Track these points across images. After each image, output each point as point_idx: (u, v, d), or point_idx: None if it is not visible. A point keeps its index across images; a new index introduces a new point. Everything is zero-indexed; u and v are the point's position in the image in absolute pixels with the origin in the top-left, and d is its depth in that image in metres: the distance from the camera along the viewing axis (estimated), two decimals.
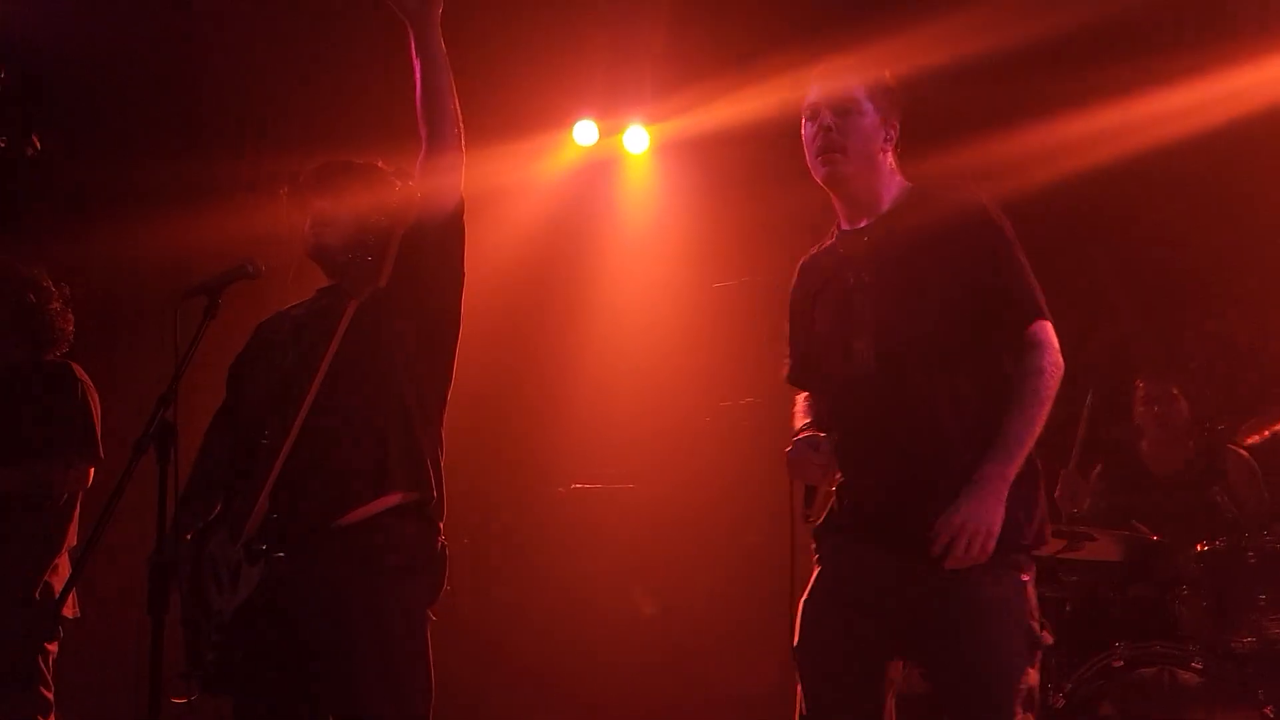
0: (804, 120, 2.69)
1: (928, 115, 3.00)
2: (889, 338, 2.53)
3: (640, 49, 5.49)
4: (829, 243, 2.77)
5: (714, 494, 5.54)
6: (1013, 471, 2.40)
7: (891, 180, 2.69)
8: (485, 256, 5.76)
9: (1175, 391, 4.59)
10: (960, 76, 4.72)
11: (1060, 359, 2.48)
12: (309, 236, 2.93)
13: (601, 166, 6.15)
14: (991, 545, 2.36)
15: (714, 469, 5.54)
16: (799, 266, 2.84)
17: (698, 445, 5.66)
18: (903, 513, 2.48)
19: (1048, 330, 2.50)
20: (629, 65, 5.62)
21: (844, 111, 2.64)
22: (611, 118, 5.88)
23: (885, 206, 2.66)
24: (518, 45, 5.45)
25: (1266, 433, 4.42)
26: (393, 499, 2.75)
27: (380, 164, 3.00)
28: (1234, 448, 4.51)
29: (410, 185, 2.90)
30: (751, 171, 5.47)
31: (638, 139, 5.96)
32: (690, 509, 5.59)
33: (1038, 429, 2.44)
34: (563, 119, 5.89)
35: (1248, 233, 5.32)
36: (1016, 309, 2.51)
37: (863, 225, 2.67)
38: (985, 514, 2.36)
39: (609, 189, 6.22)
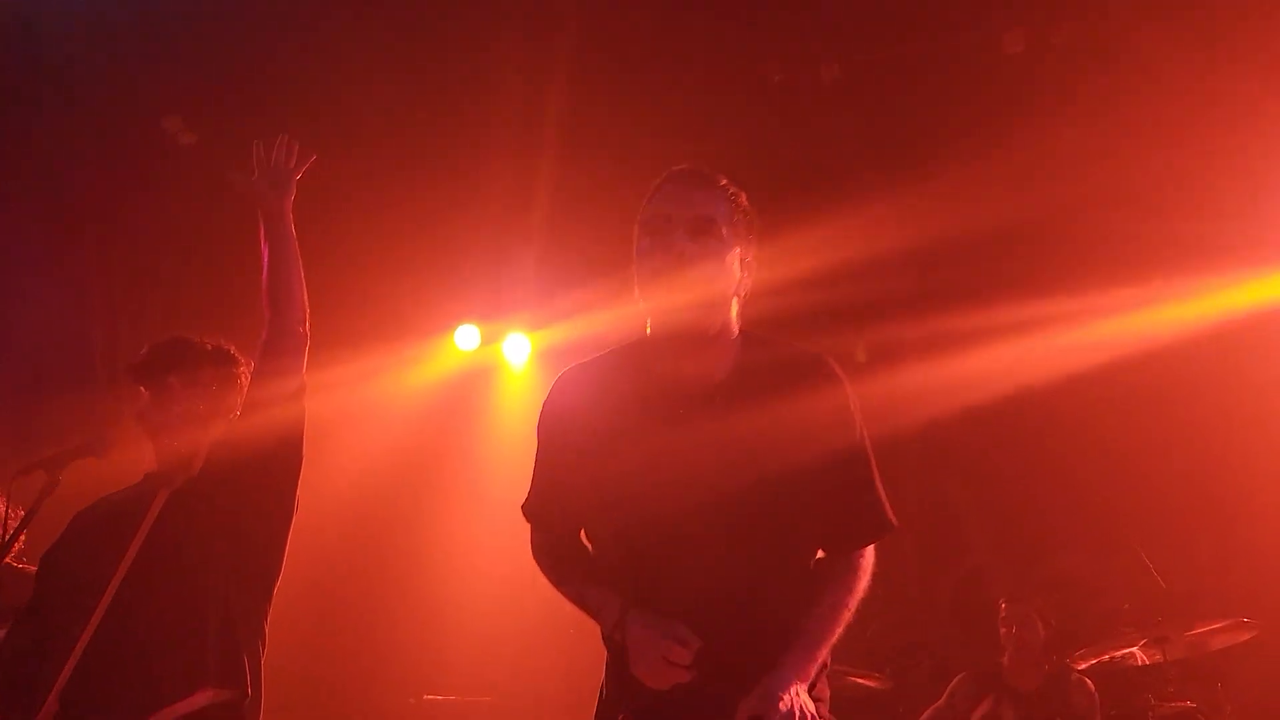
0: (643, 228, 2.20)
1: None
2: (728, 502, 2.14)
3: (519, 258, 5.65)
4: (629, 370, 2.27)
5: (576, 709, 5.29)
6: (813, 672, 2.15)
7: (734, 323, 2.26)
8: (356, 459, 5.83)
9: (1034, 614, 4.76)
10: (838, 320, 5.02)
11: (869, 576, 2.26)
12: (140, 413, 2.79)
13: (481, 370, 6.21)
14: None
15: (575, 683, 5.31)
16: (562, 383, 2.31)
17: (561, 657, 5.45)
18: (721, 691, 2.15)
19: (871, 554, 2.28)
20: (509, 274, 5.78)
21: (703, 234, 2.18)
22: (492, 323, 5.99)
23: (727, 359, 2.23)
24: (402, 248, 5.58)
25: (1106, 657, 4.58)
26: (203, 697, 2.55)
27: (232, 349, 2.89)
28: (1080, 676, 4.67)
29: (258, 388, 2.74)
30: None
31: (518, 347, 6.05)
32: None
33: (841, 630, 2.20)
34: (445, 323, 5.98)
35: (1098, 478, 5.63)
36: (863, 521, 2.26)
37: (697, 374, 2.22)
38: (779, 712, 2.05)
39: (488, 394, 6.26)
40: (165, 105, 5.21)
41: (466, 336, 6.02)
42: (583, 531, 2.36)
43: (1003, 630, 4.79)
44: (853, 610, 2.22)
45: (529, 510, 2.38)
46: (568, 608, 2.35)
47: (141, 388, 2.81)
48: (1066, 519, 5.72)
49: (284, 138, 2.84)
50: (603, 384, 2.28)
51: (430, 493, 6.10)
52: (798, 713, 2.05)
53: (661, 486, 2.18)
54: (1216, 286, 5.22)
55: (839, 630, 2.19)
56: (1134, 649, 4.54)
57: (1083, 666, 4.62)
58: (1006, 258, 5.47)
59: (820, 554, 2.29)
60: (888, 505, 2.27)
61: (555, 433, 2.31)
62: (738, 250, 2.21)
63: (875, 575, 2.28)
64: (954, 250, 5.43)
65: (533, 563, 2.42)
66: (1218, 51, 4.78)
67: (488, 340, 6.06)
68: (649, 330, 2.26)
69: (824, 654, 2.17)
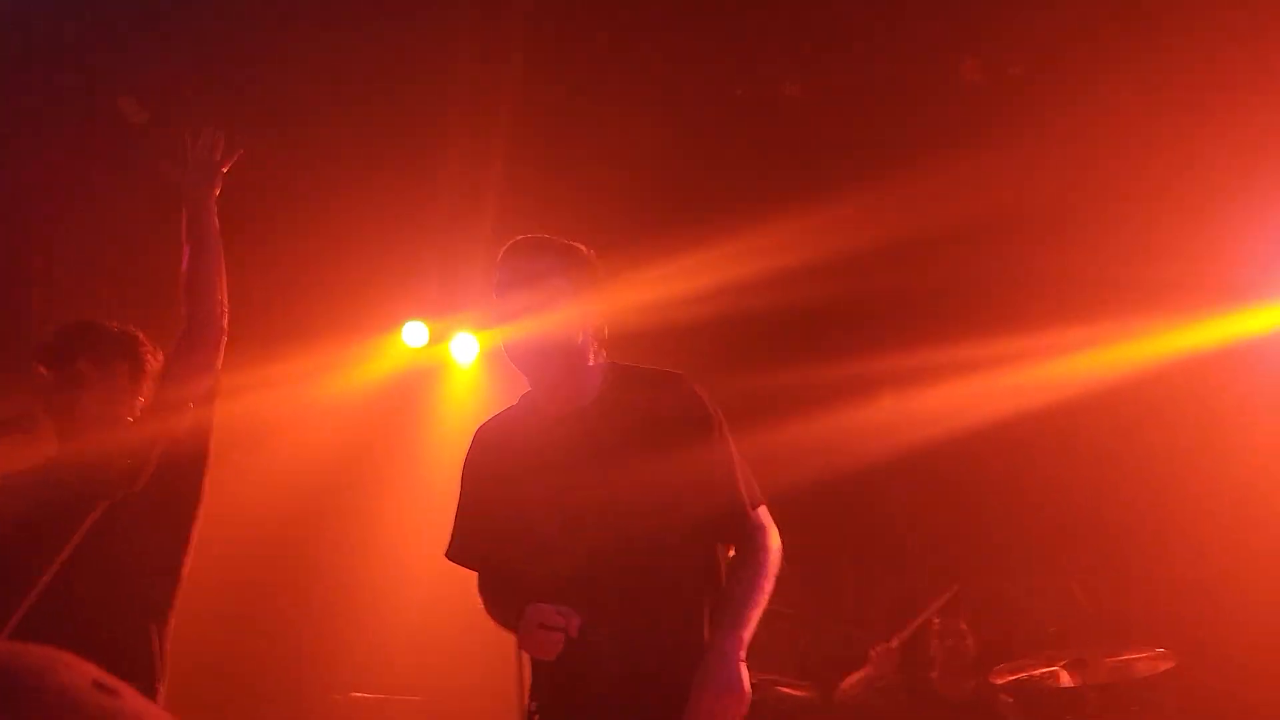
0: (494, 293, 2.53)
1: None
2: (605, 529, 2.40)
3: (469, 255, 5.63)
4: (521, 415, 2.60)
5: (506, 711, 5.28)
6: (748, 636, 2.38)
7: (595, 361, 2.55)
8: (298, 455, 5.77)
9: (964, 628, 4.96)
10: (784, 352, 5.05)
11: (779, 543, 2.51)
12: (44, 396, 2.68)
13: (428, 370, 6.17)
14: (744, 707, 2.33)
15: (506, 685, 5.29)
16: (478, 434, 2.64)
17: (494, 659, 5.42)
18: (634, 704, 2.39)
19: (765, 514, 2.52)
20: (459, 270, 5.75)
21: (537, 290, 2.48)
22: (441, 320, 5.96)
23: (591, 390, 2.52)
24: (349, 243, 5.54)
25: (1026, 675, 4.67)
26: None
27: (141, 335, 2.82)
28: (1006, 699, 4.79)
29: (171, 386, 2.74)
30: None
31: (465, 346, 6.02)
32: None
33: (763, 602, 2.44)
34: (393, 320, 5.93)
35: (1038, 508, 5.75)
36: (736, 503, 2.48)
37: (568, 408, 2.51)
38: (731, 678, 2.32)
39: (433, 392, 6.22)
40: (119, 84, 5.13)
41: (415, 333, 5.97)
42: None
43: (934, 644, 4.96)
44: (768, 584, 2.47)
45: (449, 555, 2.66)
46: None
47: (45, 369, 2.73)
48: (1004, 543, 5.82)
49: (211, 129, 2.83)
50: (506, 431, 2.60)
51: (370, 490, 6.04)
52: (743, 687, 2.31)
53: (548, 513, 2.46)
54: (1157, 329, 5.33)
55: (760, 604, 2.43)
56: (1057, 669, 4.62)
57: (1003, 681, 4.73)
58: (956, 295, 5.57)
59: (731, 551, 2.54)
60: (745, 492, 2.50)
61: (469, 484, 2.63)
62: (580, 298, 2.51)
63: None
64: (904, 285, 5.54)
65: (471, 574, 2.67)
66: (1164, 95, 4.88)
67: (436, 338, 6.02)
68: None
69: (751, 623, 2.40)
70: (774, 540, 2.51)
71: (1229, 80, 4.80)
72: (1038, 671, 4.65)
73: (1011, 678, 4.69)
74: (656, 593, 2.41)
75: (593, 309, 2.54)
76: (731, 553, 2.52)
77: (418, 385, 6.16)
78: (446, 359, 6.11)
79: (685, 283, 5.13)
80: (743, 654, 2.36)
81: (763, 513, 2.53)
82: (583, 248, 2.58)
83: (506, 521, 2.52)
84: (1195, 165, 5.00)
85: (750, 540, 2.49)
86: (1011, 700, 4.77)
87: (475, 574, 2.67)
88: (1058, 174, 5.22)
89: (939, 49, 5.16)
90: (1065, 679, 4.62)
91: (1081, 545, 5.68)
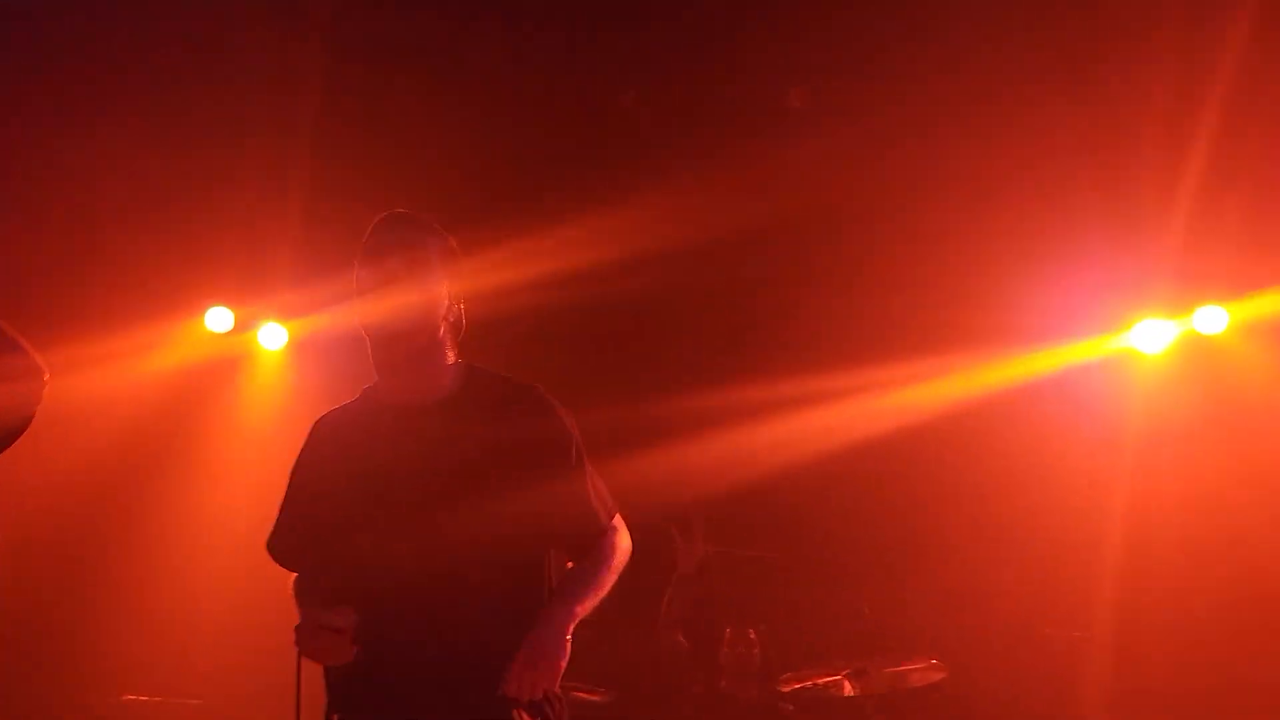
0: (361, 261, 2.42)
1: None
2: (441, 535, 2.30)
3: (275, 241, 5.45)
4: (363, 409, 2.49)
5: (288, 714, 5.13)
6: (581, 611, 2.34)
7: (449, 356, 2.47)
8: (91, 445, 5.43)
9: (753, 636, 5.11)
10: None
11: (629, 543, 2.51)
12: None
13: (232, 359, 5.94)
14: (556, 676, 2.28)
15: (290, 690, 5.15)
16: (316, 426, 2.53)
17: (280, 663, 5.26)
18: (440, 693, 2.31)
19: (618, 519, 2.50)
20: (266, 255, 5.56)
21: (416, 264, 2.41)
22: (247, 307, 5.74)
23: (442, 388, 2.43)
24: (150, 225, 5.28)
25: (810, 683, 4.88)
26: None
27: None
28: (784, 704, 5.00)
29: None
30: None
31: (273, 334, 5.82)
32: None
33: (602, 591, 2.40)
34: (196, 304, 5.69)
35: (836, 533, 6.04)
36: (591, 524, 2.45)
37: (416, 403, 2.42)
38: (553, 643, 2.27)
39: (238, 382, 6.00)
40: None
41: (219, 319, 5.74)
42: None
43: (724, 651, 5.11)
44: (611, 575, 2.43)
45: (269, 548, 2.55)
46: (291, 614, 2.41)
47: None
48: (798, 559, 6.06)
49: None
50: (345, 425, 2.49)
51: (163, 482, 5.77)
52: (561, 653, 2.26)
53: (382, 500, 2.36)
54: (953, 369, 5.67)
55: (600, 589, 2.40)
56: (840, 678, 4.84)
57: (789, 689, 4.91)
58: (787, 335, 5.78)
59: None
60: (598, 505, 2.48)
61: (301, 477, 2.51)
62: (445, 283, 2.45)
63: (615, 603, 2.43)
64: (726, 317, 5.73)
65: (258, 562, 2.59)
66: (965, 137, 5.19)
67: (242, 325, 5.79)
68: (374, 367, 2.47)
69: (586, 602, 2.36)
70: (623, 540, 2.49)
71: (1046, 130, 5.12)
72: (822, 680, 4.86)
73: (797, 685, 4.88)
74: (483, 605, 2.32)
75: (456, 298, 2.47)
76: (570, 565, 2.48)
77: (221, 373, 5.92)
78: (253, 347, 5.90)
79: (493, 277, 5.11)
80: (570, 627, 2.30)
81: (616, 522, 2.50)
82: (452, 239, 2.52)
83: (335, 519, 2.40)
84: (1016, 214, 5.32)
85: (598, 542, 2.46)
86: (792, 708, 4.97)
87: (280, 571, 2.55)
88: (872, 211, 5.47)
89: (771, 76, 5.33)
90: (847, 688, 4.85)
91: (869, 562, 5.98)
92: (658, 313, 5.76)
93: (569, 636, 2.30)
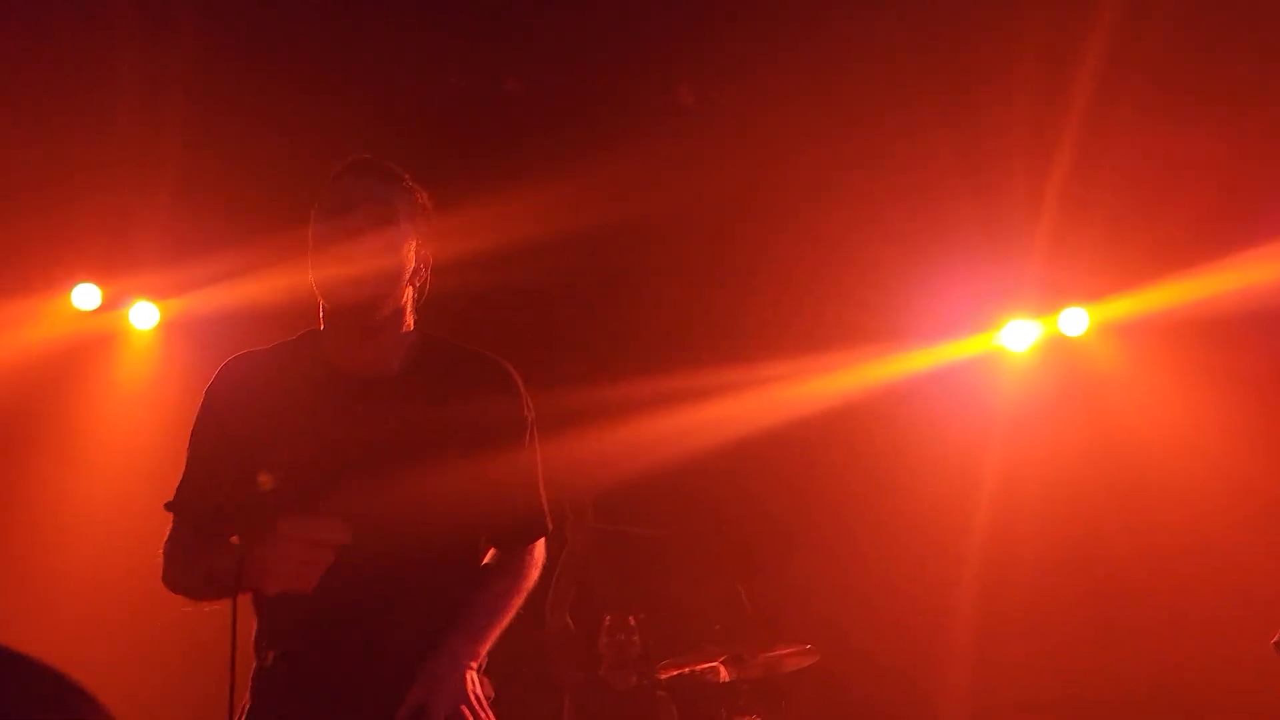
0: (320, 213, 2.19)
1: None
2: (383, 511, 2.11)
3: (146, 218, 5.26)
4: (299, 361, 2.23)
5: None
6: (481, 651, 2.18)
7: (409, 315, 2.27)
8: None
9: (632, 624, 5.22)
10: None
11: (543, 552, 2.37)
12: None
13: (102, 337, 5.72)
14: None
15: (165, 663, 5.05)
16: (226, 372, 2.23)
17: (146, 646, 5.13)
18: (365, 697, 2.14)
19: (541, 548, 2.37)
20: (136, 233, 5.37)
21: (384, 222, 2.18)
22: (115, 284, 5.53)
23: (398, 358, 2.23)
24: (13, 198, 5.05)
25: (688, 670, 4.96)
26: None
27: None
28: (665, 697, 5.11)
29: None
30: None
31: (144, 314, 5.63)
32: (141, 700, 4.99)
33: (510, 615, 2.26)
34: (63, 281, 5.47)
35: (715, 517, 6.13)
36: (526, 523, 2.33)
37: (368, 373, 2.21)
38: (457, 692, 2.09)
39: (108, 362, 5.78)
40: None
41: (85, 296, 5.51)
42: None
43: (604, 639, 5.19)
44: (521, 599, 2.28)
45: (177, 505, 2.20)
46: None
47: None
48: (679, 549, 6.15)
49: None
50: (272, 373, 2.22)
51: (26, 464, 5.54)
52: (469, 693, 2.09)
53: (331, 473, 2.13)
54: (835, 366, 5.81)
55: (508, 616, 2.25)
56: (717, 664, 4.94)
57: (666, 676, 4.99)
58: (675, 330, 5.83)
59: (491, 552, 2.34)
60: (548, 510, 2.37)
61: (215, 423, 2.20)
62: (414, 244, 2.23)
63: None
64: (613, 314, 5.75)
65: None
66: (850, 143, 5.31)
67: (111, 303, 5.58)
68: (322, 321, 2.25)
69: (492, 636, 2.21)
70: (541, 553, 2.36)
71: (925, 143, 5.28)
72: (699, 667, 4.94)
73: (675, 672, 4.95)
74: (422, 586, 2.16)
75: (422, 257, 2.24)
76: (491, 552, 2.33)
77: (90, 352, 5.69)
78: (123, 325, 5.69)
79: None
80: (473, 666, 2.15)
81: (542, 546, 2.37)
82: (424, 193, 2.27)
83: (269, 473, 2.13)
84: (897, 222, 5.46)
85: (525, 551, 2.32)
86: (665, 694, 5.06)
87: (174, 540, 2.20)
88: (761, 212, 5.56)
89: (656, 69, 5.36)
90: (723, 674, 4.95)
91: (749, 550, 6.11)
92: (550, 302, 5.75)
93: (470, 670, 2.13)
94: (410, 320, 2.28)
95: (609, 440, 5.35)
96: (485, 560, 2.34)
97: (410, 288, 2.25)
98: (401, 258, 2.20)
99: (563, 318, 5.71)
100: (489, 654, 2.25)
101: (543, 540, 2.38)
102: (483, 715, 2.13)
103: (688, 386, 5.46)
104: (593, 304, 5.64)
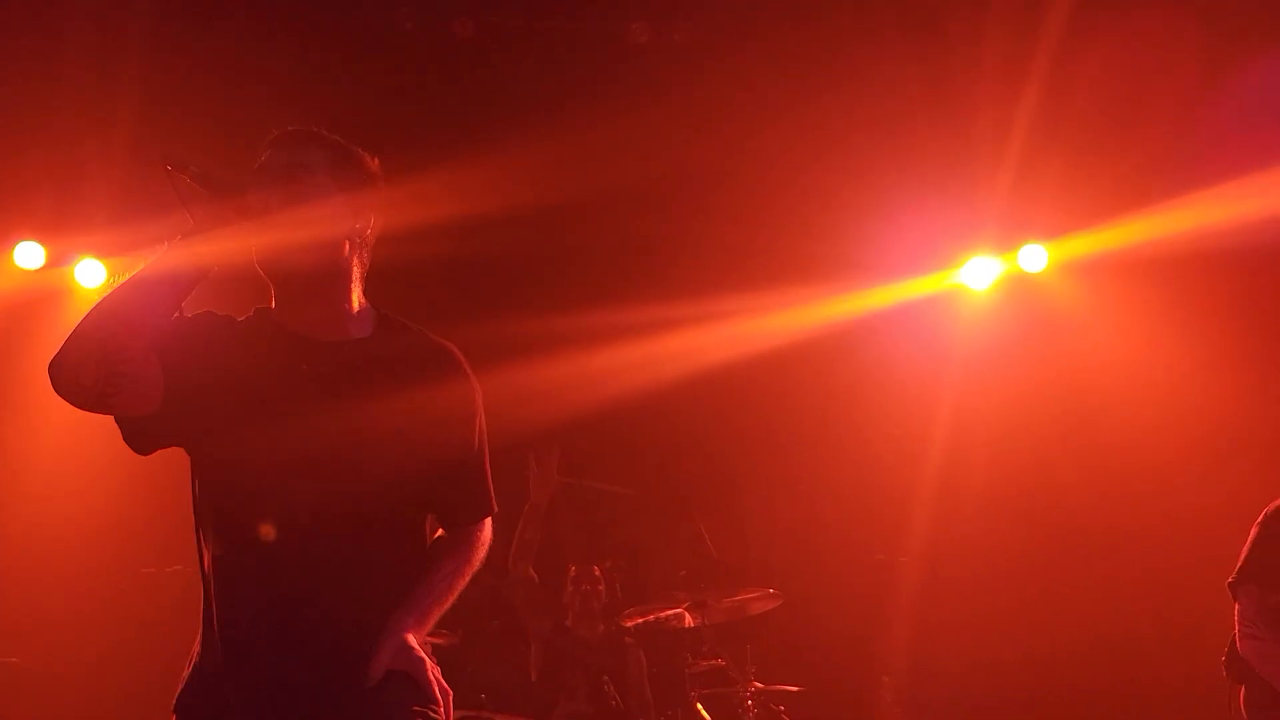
0: (251, 185, 2.16)
1: None
2: (346, 474, 2.15)
3: (93, 173, 5.09)
4: (250, 325, 2.25)
5: (126, 670, 4.98)
6: (426, 629, 2.21)
7: (356, 294, 2.28)
8: None
9: (598, 573, 5.21)
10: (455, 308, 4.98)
11: (484, 553, 2.39)
12: None
13: (47, 295, 5.58)
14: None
15: (131, 643, 5.00)
16: (202, 315, 2.21)
17: (115, 616, 5.08)
18: (313, 685, 2.13)
19: (488, 528, 2.41)
20: (82, 189, 5.20)
21: (290, 179, 2.18)
22: (60, 242, 5.39)
23: (359, 329, 2.26)
24: None
25: (653, 617, 4.99)
26: None
27: None
28: (634, 644, 5.11)
29: None
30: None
31: (91, 271, 5.49)
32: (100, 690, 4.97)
33: (452, 599, 2.28)
34: (4, 238, 5.31)
35: (679, 461, 6.13)
36: (474, 503, 2.37)
37: (318, 336, 2.23)
38: (413, 670, 2.12)
39: (55, 319, 5.64)
40: None
41: (28, 254, 5.37)
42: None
43: (569, 590, 5.18)
44: (465, 581, 2.32)
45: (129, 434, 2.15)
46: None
47: None
48: (648, 491, 6.15)
49: None
50: (235, 329, 2.24)
51: None
52: (428, 673, 2.13)
53: (279, 436, 2.14)
54: (796, 302, 5.78)
55: (452, 596, 2.28)
56: (681, 610, 4.97)
57: (631, 624, 5.01)
58: (631, 262, 5.75)
59: (439, 531, 2.37)
60: (493, 492, 2.41)
61: (181, 340, 2.12)
62: (343, 197, 2.21)
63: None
64: (564, 247, 5.65)
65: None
66: (812, 76, 5.22)
67: (55, 261, 5.44)
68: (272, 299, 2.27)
69: (436, 615, 2.24)
70: (488, 533, 2.40)
71: (890, 80, 5.20)
72: (665, 614, 4.98)
73: (640, 620, 4.99)
74: (369, 561, 2.18)
75: (361, 221, 2.24)
76: (439, 533, 2.36)
77: (35, 311, 5.55)
78: (70, 284, 5.55)
79: None
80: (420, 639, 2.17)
81: (487, 527, 2.41)
82: (364, 153, 2.27)
83: (220, 414, 2.13)
84: (861, 160, 5.39)
85: (468, 543, 2.35)
86: (632, 641, 5.08)
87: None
88: (720, 145, 5.47)
89: (613, 6, 5.24)
90: (688, 620, 4.99)
91: (711, 493, 6.12)
92: (499, 234, 5.62)
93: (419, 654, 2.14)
94: (357, 288, 2.28)
95: (563, 373, 5.31)
96: (433, 539, 2.36)
97: (345, 255, 2.24)
98: (324, 221, 2.19)
99: (514, 251, 5.59)
100: (455, 607, 2.29)
101: (489, 520, 2.42)
102: (435, 693, 2.15)
103: (641, 320, 5.40)
104: (544, 236, 5.53)
